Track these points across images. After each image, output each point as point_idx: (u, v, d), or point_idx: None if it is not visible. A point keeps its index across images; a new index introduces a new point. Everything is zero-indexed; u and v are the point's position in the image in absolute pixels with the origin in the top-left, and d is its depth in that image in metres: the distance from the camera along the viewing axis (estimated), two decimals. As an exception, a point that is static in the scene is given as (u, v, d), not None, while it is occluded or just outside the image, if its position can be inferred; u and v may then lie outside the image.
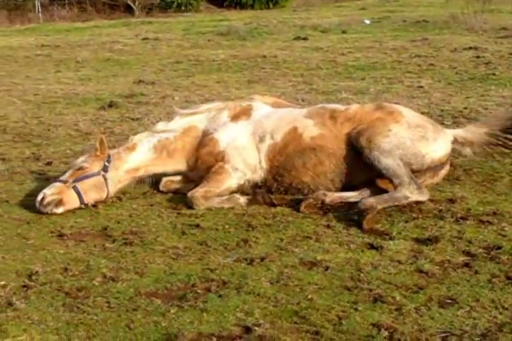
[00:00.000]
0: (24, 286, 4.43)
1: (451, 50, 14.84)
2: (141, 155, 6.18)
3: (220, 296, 4.20)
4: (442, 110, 9.25)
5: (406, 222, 5.36)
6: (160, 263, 4.74)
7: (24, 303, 4.18)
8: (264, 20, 23.51)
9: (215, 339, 3.73)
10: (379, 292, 4.18)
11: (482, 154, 6.25)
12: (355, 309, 3.99)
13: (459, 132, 6.10)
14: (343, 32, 19.35)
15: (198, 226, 5.42)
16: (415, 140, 5.67)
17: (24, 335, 3.83)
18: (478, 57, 13.64)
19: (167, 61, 15.63)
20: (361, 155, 5.68)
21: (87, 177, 5.92)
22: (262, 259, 4.71)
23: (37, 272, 4.62)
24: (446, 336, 3.68)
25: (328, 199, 5.67)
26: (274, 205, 5.79)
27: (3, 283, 4.48)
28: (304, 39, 18.14)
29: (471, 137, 6.02)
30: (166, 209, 5.87)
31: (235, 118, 6.22)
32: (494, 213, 5.45)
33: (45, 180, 6.69)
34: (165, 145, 6.20)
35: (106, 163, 6.02)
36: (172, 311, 4.04)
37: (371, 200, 5.42)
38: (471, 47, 14.77)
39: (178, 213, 5.76)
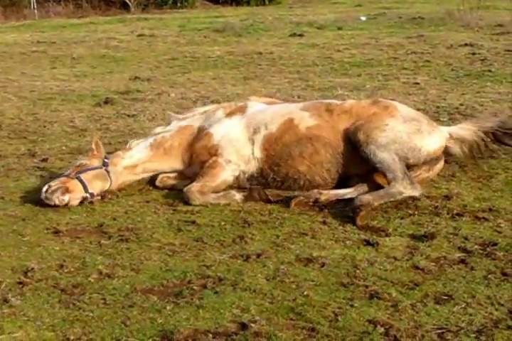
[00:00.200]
0: (20, 283, 4.42)
1: (447, 46, 14.84)
2: (138, 153, 6.26)
3: (216, 293, 4.20)
4: (438, 107, 9.26)
5: (402, 218, 5.36)
6: (156, 260, 4.73)
7: (20, 300, 4.18)
8: (260, 17, 23.48)
9: (211, 335, 3.73)
10: (375, 288, 4.18)
11: (470, 155, 6.22)
12: (351, 305, 4.00)
13: (453, 129, 6.15)
14: (339, 28, 19.32)
15: (194, 222, 5.42)
16: (411, 133, 5.72)
17: (20, 332, 3.83)
18: (474, 53, 13.64)
19: (163, 58, 15.60)
20: (358, 150, 5.70)
21: (89, 169, 6.00)
22: (258, 256, 4.71)
23: (32, 269, 4.61)
24: (442, 332, 3.69)
25: (323, 198, 5.66)
26: (270, 202, 5.79)
27: (-2, 279, 4.48)
28: (300, 36, 18.12)
29: (464, 134, 6.06)
30: (162, 206, 5.86)
31: (229, 114, 6.29)
32: (490, 209, 5.46)
33: (41, 177, 6.70)
34: (161, 142, 6.27)
35: (105, 160, 6.13)
36: (168, 308, 4.04)
37: (367, 197, 5.43)
38: (466, 44, 14.78)
39: (174, 210, 5.75)
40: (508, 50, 13.83)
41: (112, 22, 25.16)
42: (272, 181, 6.02)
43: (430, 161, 5.90)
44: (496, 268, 4.42)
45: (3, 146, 8.09)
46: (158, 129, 6.48)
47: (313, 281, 4.33)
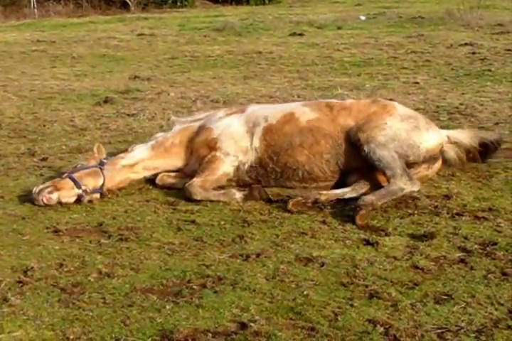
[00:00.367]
0: (19, 282, 4.42)
1: (446, 46, 14.85)
2: (139, 153, 6.32)
3: (215, 292, 4.20)
4: (438, 106, 9.26)
5: (402, 218, 5.36)
6: (155, 259, 4.73)
7: (19, 299, 4.18)
8: (259, 16, 23.48)
9: (210, 335, 3.73)
10: (375, 288, 4.18)
11: (465, 160, 6.27)
12: (351, 305, 4.00)
13: (451, 132, 6.27)
14: (339, 28, 19.32)
15: (193, 222, 5.42)
16: (409, 130, 5.82)
17: (19, 331, 3.83)
18: (473, 53, 13.65)
19: (163, 57, 15.60)
20: (359, 149, 5.78)
21: (83, 169, 6.06)
22: (258, 255, 4.71)
23: (32, 268, 4.61)
24: (442, 332, 3.69)
25: (323, 198, 5.66)
26: (270, 201, 5.79)
27: (-2, 279, 4.48)
28: (300, 35, 18.12)
29: (462, 138, 6.17)
30: (161, 205, 5.86)
31: (230, 114, 6.40)
32: (490, 209, 5.46)
33: (41, 176, 6.70)
34: (162, 142, 6.34)
35: (102, 160, 6.16)
36: (168, 307, 4.04)
37: (370, 197, 5.43)
38: (466, 44, 14.79)
39: (174, 209, 5.75)
40: (508, 50, 13.84)
41: (112, 21, 25.15)
42: (271, 171, 6.04)
43: (429, 159, 5.96)
44: (495, 268, 4.41)
45: (3, 145, 8.08)
46: (160, 134, 6.57)
47: (312, 281, 4.32)
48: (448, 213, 5.40)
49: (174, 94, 10.94)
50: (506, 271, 4.36)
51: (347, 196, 5.71)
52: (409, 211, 5.48)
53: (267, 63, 13.97)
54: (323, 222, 5.33)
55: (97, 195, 6.01)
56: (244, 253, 4.77)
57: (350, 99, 8.32)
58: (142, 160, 6.27)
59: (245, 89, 11.20)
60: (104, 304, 4.11)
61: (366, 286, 4.22)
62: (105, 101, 10.47)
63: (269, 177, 6.06)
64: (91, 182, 5.97)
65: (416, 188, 5.62)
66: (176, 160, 6.32)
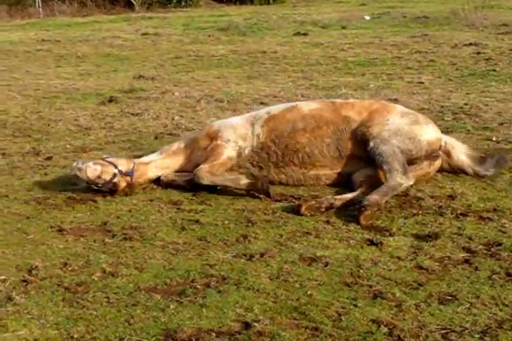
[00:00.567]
0: (24, 281, 4.42)
1: (451, 46, 14.82)
2: (149, 157, 6.53)
3: (219, 292, 4.20)
4: (442, 106, 9.25)
5: (406, 218, 5.36)
6: (159, 259, 4.73)
7: (24, 298, 4.18)
8: (264, 16, 23.46)
9: (214, 334, 3.73)
10: (379, 288, 4.18)
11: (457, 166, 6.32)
12: (355, 305, 3.99)
13: (449, 139, 6.38)
14: (343, 28, 19.31)
15: (197, 221, 5.42)
16: (410, 124, 6.02)
17: (24, 330, 3.83)
18: (478, 53, 13.62)
19: (167, 56, 15.61)
20: (363, 146, 5.93)
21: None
22: (262, 255, 4.71)
23: (37, 267, 4.61)
24: (446, 333, 3.68)
25: (338, 202, 5.59)
26: (269, 196, 5.84)
27: (2, 277, 4.47)
28: (304, 35, 18.11)
29: (458, 145, 6.32)
30: (165, 205, 5.86)
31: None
32: (494, 209, 5.45)
33: (45, 175, 6.71)
34: (170, 147, 6.59)
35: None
36: (171, 306, 4.04)
37: (374, 196, 5.41)
38: (471, 43, 14.75)
39: (178, 208, 5.76)
40: (513, 50, 13.82)
41: (117, 21, 25.17)
42: (272, 155, 6.16)
43: (431, 154, 6.06)
44: (500, 269, 4.40)
45: (8, 144, 8.10)
46: (166, 147, 6.72)
47: (316, 281, 4.32)
48: (452, 213, 5.39)
49: (178, 94, 10.94)
50: (511, 271, 4.34)
51: (360, 200, 5.62)
52: (414, 211, 5.48)
53: (271, 63, 13.97)
54: (327, 222, 5.33)
55: (128, 179, 6.14)
56: (248, 252, 4.76)
57: (353, 99, 8.34)
58: (154, 160, 6.45)
59: (249, 88, 11.20)
60: (108, 303, 4.11)
61: (370, 286, 4.22)
62: (110, 101, 10.48)
63: (269, 160, 6.17)
64: (124, 164, 6.20)
65: (411, 182, 5.72)
66: (182, 159, 6.46)
